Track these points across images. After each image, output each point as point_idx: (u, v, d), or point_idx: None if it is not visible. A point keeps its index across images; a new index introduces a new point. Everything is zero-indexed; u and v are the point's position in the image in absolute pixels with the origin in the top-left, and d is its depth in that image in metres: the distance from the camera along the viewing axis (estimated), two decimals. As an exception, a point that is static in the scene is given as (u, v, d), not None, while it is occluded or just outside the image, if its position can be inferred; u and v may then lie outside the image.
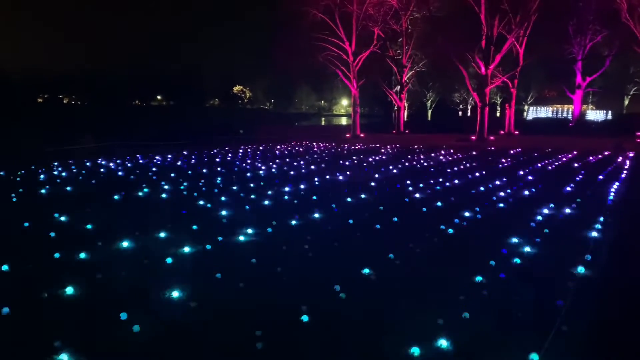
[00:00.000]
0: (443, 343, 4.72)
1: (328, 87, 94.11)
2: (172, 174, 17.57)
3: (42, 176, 16.80)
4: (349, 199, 12.69)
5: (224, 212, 10.98)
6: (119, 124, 46.77)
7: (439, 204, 11.99)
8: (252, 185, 15.17)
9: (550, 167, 20.39)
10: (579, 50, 48.29)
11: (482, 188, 14.44)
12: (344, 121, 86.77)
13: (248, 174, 17.79)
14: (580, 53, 48.37)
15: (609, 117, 63.10)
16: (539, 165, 21.24)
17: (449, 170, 19.30)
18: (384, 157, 25.31)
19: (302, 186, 14.88)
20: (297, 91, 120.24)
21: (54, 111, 76.67)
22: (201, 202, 12.25)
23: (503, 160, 23.49)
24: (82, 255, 7.68)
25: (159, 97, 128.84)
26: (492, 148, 31.24)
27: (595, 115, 64.69)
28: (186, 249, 8.06)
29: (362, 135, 43.83)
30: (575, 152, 27.41)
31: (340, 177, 17.15)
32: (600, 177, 16.78)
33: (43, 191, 13.74)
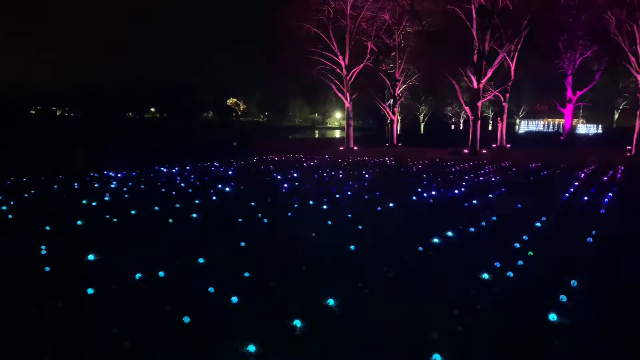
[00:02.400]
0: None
1: (322, 100, 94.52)
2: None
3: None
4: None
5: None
6: (111, 136, 46.63)
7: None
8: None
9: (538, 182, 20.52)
10: (569, 64, 48.88)
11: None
12: (337, 134, 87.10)
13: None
14: (570, 68, 48.97)
15: (599, 130, 63.80)
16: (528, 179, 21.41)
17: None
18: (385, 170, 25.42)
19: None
20: (291, 104, 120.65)
21: (46, 123, 76.40)
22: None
23: (497, 173, 23.66)
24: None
25: (152, 109, 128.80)
26: (485, 161, 31.44)
27: (585, 128, 65.41)
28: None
29: (355, 148, 43.98)
30: (564, 166, 27.70)
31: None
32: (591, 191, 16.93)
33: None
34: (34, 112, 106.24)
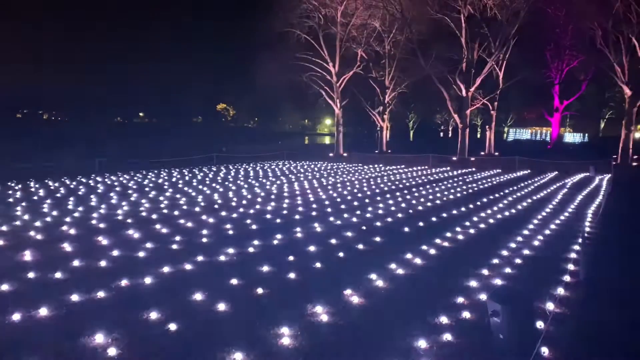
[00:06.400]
0: None
1: (312, 106, 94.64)
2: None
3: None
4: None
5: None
6: (99, 141, 46.22)
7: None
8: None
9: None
10: (556, 74, 49.53)
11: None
12: (327, 140, 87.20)
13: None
14: (557, 77, 49.62)
15: (586, 139, 64.62)
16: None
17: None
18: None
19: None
20: (281, 110, 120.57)
21: (33, 127, 75.56)
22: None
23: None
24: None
25: (141, 114, 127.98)
26: (474, 169, 31.67)
27: (572, 137, 66.21)
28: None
29: (345, 154, 44.05)
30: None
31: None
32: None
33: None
34: (20, 115, 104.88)
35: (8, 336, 5.51)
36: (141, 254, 9.00)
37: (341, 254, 9.14)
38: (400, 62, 45.58)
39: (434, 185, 21.44)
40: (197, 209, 14.13)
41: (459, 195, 18.05)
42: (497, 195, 17.99)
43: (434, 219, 12.91)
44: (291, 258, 8.78)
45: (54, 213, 13.09)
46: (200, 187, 19.41)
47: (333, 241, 10.19)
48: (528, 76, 43.08)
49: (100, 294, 6.80)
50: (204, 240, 10.21)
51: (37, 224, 11.58)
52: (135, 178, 22.37)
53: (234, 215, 13.18)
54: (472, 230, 11.48)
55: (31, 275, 7.58)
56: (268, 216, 13.07)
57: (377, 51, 46.08)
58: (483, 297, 6.75)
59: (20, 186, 18.57)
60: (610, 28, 34.68)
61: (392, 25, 44.49)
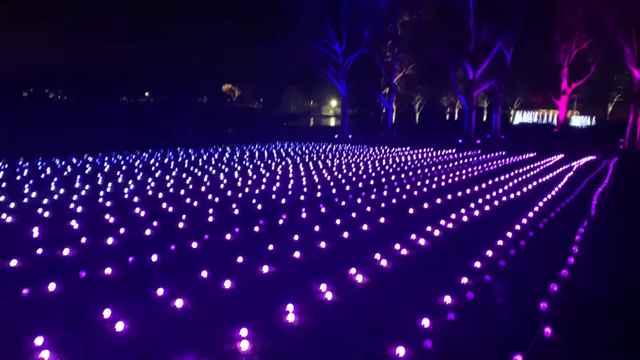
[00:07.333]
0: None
1: (317, 88, 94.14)
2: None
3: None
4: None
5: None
6: (104, 120, 46.29)
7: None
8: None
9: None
10: (564, 57, 48.81)
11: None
12: (332, 122, 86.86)
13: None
14: (566, 60, 48.91)
15: (593, 123, 64.08)
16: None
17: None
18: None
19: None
20: (286, 91, 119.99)
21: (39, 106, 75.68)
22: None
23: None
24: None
25: (146, 93, 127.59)
26: (479, 151, 31.57)
27: (580, 121, 65.66)
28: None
29: (350, 136, 43.93)
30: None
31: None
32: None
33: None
34: (26, 94, 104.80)
35: (17, 311, 5.63)
36: (148, 231, 9.11)
37: (345, 234, 9.21)
38: (407, 43, 45.07)
39: (439, 167, 21.44)
40: (202, 188, 14.22)
41: (464, 177, 18.06)
42: (502, 178, 17.98)
43: (438, 200, 12.95)
44: (296, 237, 8.86)
45: (61, 191, 13.20)
46: (206, 167, 19.49)
47: (338, 222, 10.26)
48: (536, 58, 42.60)
49: (108, 271, 6.90)
50: (210, 219, 10.31)
51: (45, 201, 11.69)
52: (142, 158, 22.45)
53: (239, 195, 13.26)
54: (476, 212, 11.52)
55: (39, 251, 7.69)
56: (273, 197, 13.14)
57: (383, 32, 45.51)
58: (487, 278, 6.82)
59: (27, 164, 18.68)
60: (621, 11, 34.08)
61: (399, 6, 43.87)
